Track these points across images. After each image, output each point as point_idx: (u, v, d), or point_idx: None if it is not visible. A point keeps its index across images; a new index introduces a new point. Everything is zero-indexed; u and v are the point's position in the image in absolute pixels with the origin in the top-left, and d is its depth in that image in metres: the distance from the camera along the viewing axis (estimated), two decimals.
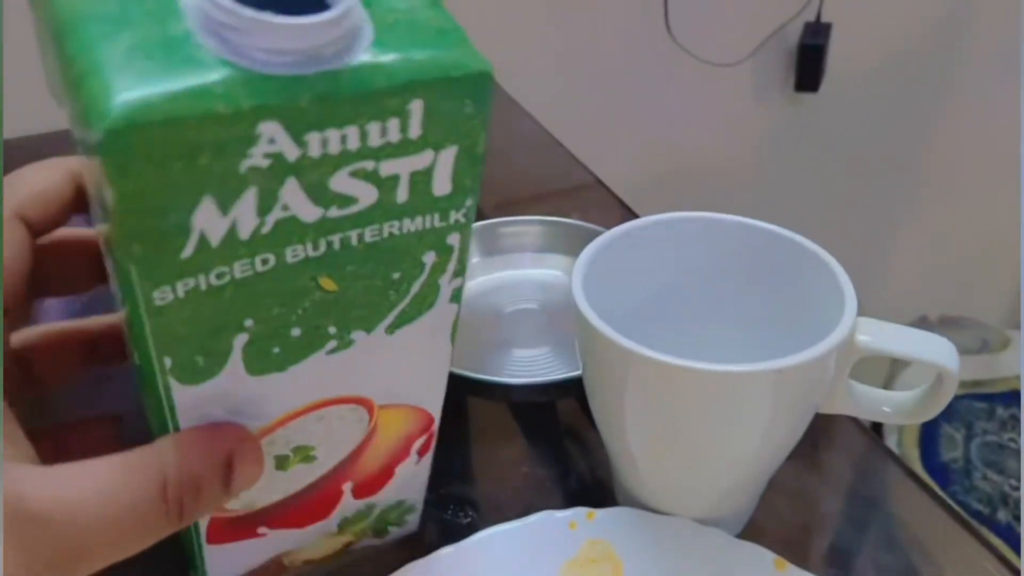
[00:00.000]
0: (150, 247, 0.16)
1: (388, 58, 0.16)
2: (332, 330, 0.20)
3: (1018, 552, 0.75)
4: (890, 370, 0.92)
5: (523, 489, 0.33)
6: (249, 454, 0.20)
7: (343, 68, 0.16)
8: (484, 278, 0.45)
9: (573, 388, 0.30)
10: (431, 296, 0.21)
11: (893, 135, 0.99)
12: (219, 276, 0.17)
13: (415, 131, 0.17)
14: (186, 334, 0.17)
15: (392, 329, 0.21)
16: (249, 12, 0.15)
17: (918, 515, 0.31)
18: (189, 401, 0.19)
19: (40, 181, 0.21)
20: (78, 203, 0.22)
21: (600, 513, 0.29)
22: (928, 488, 0.32)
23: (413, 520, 0.29)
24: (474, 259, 0.45)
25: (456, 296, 0.21)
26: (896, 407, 0.26)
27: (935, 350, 0.24)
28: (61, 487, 0.17)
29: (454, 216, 0.19)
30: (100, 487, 0.17)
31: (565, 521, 0.29)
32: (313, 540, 0.26)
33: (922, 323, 0.98)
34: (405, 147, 0.17)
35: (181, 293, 0.17)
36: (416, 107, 0.17)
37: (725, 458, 0.25)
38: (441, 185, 0.18)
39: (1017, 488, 0.77)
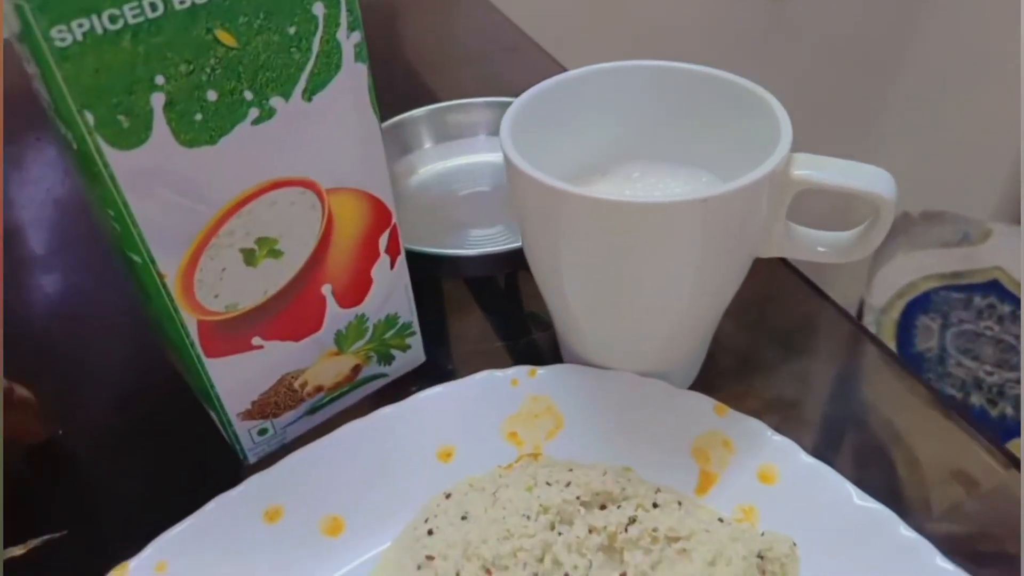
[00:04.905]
0: None
1: None
2: (249, 95, 0.21)
3: (988, 435, 0.76)
4: (871, 264, 0.93)
5: (474, 359, 0.33)
6: None
7: None
8: (439, 163, 0.44)
9: (522, 260, 0.30)
10: (335, 55, 0.22)
11: (873, 29, 0.96)
12: (112, 19, 0.18)
13: None
14: (99, 85, 0.18)
15: (308, 95, 0.22)
16: None
17: (894, 393, 0.31)
18: (128, 170, 0.20)
19: None
20: None
21: (542, 370, 0.29)
22: (905, 367, 0.32)
23: (416, 345, 0.30)
24: (426, 144, 0.45)
25: (360, 55, 0.22)
26: (831, 246, 0.26)
27: (871, 180, 0.23)
28: None
29: None
30: None
31: (507, 379, 0.28)
32: (315, 359, 0.27)
33: (904, 219, 0.97)
34: None
35: (79, 35, 0.18)
36: None
37: (660, 301, 0.25)
38: None
39: (991, 373, 0.78)
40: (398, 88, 0.52)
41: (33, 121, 0.36)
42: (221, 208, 0.22)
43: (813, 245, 0.26)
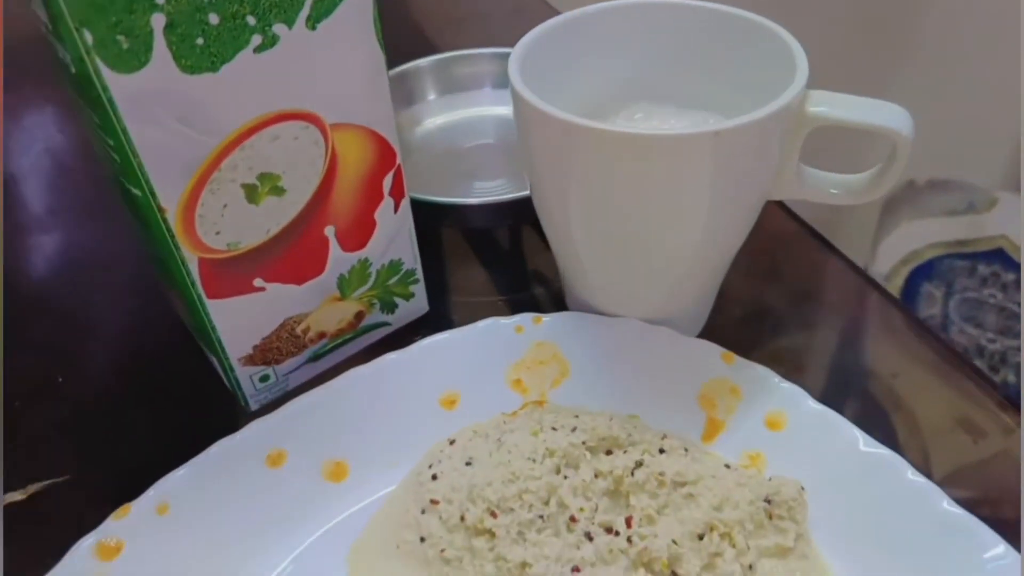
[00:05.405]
0: None
1: None
2: (251, 20, 0.20)
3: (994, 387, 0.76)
4: (876, 232, 0.92)
5: (477, 311, 0.33)
6: None
7: None
8: (443, 115, 0.43)
9: (526, 211, 0.29)
10: None
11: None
12: None
13: None
14: (98, 2, 0.18)
15: (312, 23, 0.21)
16: None
17: (900, 344, 0.31)
18: (128, 94, 0.19)
19: None
20: None
21: (547, 318, 0.28)
22: (912, 318, 0.31)
23: (419, 294, 0.30)
24: (431, 96, 0.44)
25: None
26: (844, 187, 0.25)
27: (888, 115, 0.23)
28: None
29: None
30: None
31: (511, 326, 0.28)
32: (318, 304, 0.27)
33: (910, 187, 0.96)
34: None
35: None
36: None
37: (669, 241, 0.24)
38: None
39: (994, 340, 0.77)
40: (401, 46, 0.51)
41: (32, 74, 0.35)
42: (223, 140, 0.21)
43: (826, 186, 0.25)
